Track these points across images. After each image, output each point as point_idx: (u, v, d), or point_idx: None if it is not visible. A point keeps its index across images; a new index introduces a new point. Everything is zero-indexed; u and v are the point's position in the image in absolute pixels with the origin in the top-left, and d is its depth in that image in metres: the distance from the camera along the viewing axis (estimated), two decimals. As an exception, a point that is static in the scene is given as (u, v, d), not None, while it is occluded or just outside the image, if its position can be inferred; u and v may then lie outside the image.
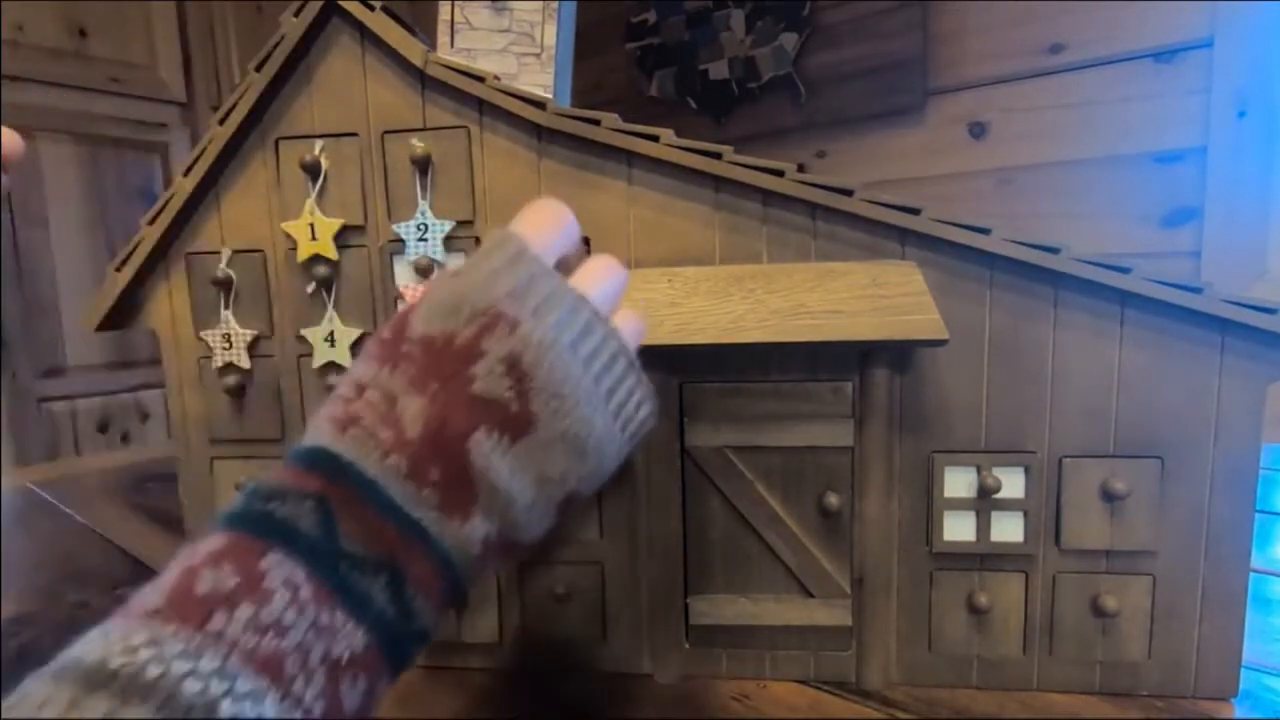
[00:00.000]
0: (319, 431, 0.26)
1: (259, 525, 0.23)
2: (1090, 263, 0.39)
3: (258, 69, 0.45)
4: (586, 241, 0.44)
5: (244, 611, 0.20)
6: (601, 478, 0.30)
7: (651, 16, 2.08)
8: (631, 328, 0.31)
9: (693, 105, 2.04)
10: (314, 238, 0.45)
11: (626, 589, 0.46)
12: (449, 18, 0.52)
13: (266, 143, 0.46)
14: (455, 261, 0.46)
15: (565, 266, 0.31)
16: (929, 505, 0.42)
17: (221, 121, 0.46)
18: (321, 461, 0.25)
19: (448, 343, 0.26)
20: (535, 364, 0.26)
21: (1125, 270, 0.38)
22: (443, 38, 0.52)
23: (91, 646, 0.19)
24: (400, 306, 0.45)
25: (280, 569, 0.21)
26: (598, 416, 0.28)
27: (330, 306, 0.46)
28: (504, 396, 0.26)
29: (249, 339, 0.47)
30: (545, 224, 0.30)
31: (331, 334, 0.46)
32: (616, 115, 0.42)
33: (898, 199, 0.40)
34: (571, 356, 0.27)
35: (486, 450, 0.25)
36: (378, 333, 0.28)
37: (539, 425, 0.26)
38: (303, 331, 0.47)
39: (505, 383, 0.26)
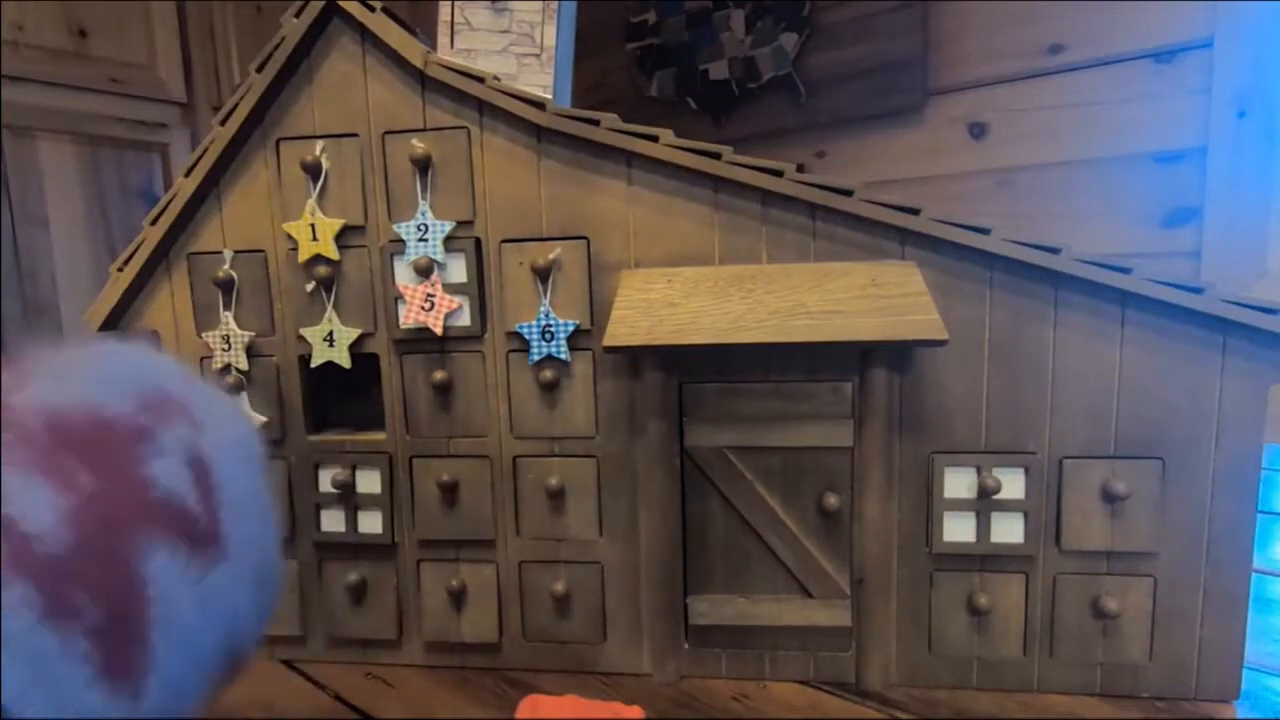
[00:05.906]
0: None
1: None
2: (1090, 263, 0.39)
3: (258, 70, 0.45)
4: (587, 240, 0.44)
5: None
6: (259, 643, 0.22)
7: (651, 16, 2.08)
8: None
9: (693, 105, 2.04)
10: (315, 238, 0.45)
11: (626, 589, 0.46)
12: (449, 18, 0.52)
13: (267, 143, 0.46)
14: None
15: None
16: (929, 506, 0.42)
17: (223, 122, 0.46)
18: None
19: (103, 423, 0.18)
20: (227, 474, 0.19)
21: (1125, 270, 0.38)
22: (443, 38, 0.52)
23: None
24: (400, 307, 0.45)
25: None
26: (277, 557, 0.22)
27: (329, 306, 0.46)
28: (191, 507, 0.18)
29: (247, 340, 0.47)
30: None
31: (330, 334, 0.46)
32: (616, 115, 0.42)
33: (897, 199, 0.40)
34: (259, 477, 0.21)
35: (172, 578, 0.17)
36: None
37: (230, 552, 0.19)
38: (302, 331, 0.47)
39: (192, 489, 0.18)
